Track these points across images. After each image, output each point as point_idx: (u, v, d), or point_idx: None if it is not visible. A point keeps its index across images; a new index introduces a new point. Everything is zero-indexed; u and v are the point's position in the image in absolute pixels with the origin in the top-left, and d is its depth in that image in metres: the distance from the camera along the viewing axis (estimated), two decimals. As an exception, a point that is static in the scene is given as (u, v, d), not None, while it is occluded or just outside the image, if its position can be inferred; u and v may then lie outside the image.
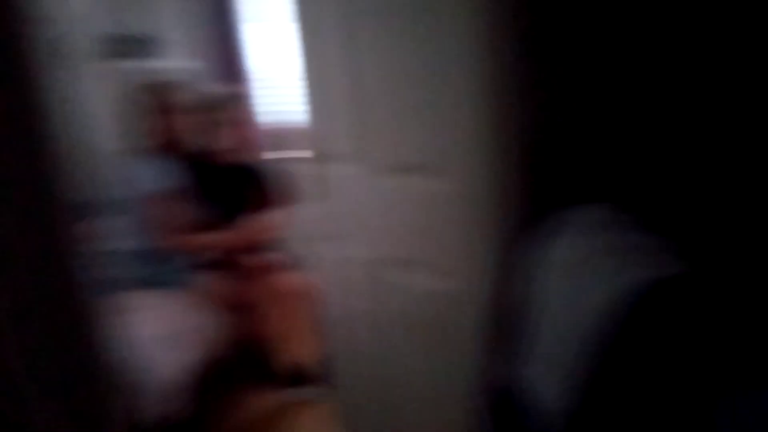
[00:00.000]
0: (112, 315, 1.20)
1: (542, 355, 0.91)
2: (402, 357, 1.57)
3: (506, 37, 1.11)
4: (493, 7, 1.10)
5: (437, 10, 1.22)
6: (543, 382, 0.89)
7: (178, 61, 3.47)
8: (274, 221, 2.44)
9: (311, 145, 1.73)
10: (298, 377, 2.37)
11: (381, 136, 1.46)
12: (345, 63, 1.53)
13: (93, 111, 3.40)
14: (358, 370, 1.80)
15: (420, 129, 1.33)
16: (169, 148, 2.31)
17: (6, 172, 0.99)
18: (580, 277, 0.85)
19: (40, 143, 1.04)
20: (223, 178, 2.41)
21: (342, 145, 1.62)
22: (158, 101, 2.27)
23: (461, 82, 1.20)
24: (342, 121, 1.59)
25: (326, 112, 1.67)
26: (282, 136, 2.85)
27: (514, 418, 0.99)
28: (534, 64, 1.13)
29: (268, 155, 3.49)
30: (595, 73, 1.10)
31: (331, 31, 1.60)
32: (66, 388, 1.12)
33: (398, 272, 1.51)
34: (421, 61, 1.28)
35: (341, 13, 1.52)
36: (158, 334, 1.88)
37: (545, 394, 0.88)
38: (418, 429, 1.59)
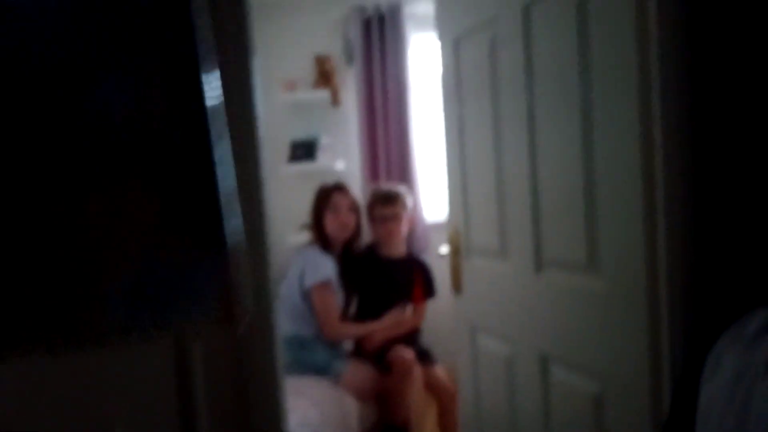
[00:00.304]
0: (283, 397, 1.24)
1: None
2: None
3: (665, 139, 1.04)
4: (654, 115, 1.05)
5: (578, 104, 1.21)
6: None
7: (341, 162, 3.77)
8: (423, 313, 2.54)
9: (456, 242, 1.75)
10: None
11: (523, 234, 1.43)
12: (489, 163, 1.56)
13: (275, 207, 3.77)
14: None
15: (568, 226, 1.27)
16: (338, 242, 2.46)
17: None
18: (755, 385, 0.71)
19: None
20: (386, 270, 2.53)
21: (487, 241, 1.62)
22: (333, 201, 2.45)
23: (613, 182, 1.15)
24: (486, 219, 1.60)
25: (471, 210, 1.70)
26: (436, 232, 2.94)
27: None
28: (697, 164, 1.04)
29: (426, 250, 3.61)
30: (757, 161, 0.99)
31: (475, 134, 1.65)
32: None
33: (542, 369, 1.41)
34: (567, 163, 1.27)
35: (485, 116, 1.56)
36: (308, 420, 1.89)
37: None
38: None
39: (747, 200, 1.03)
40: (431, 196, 3.73)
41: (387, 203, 2.53)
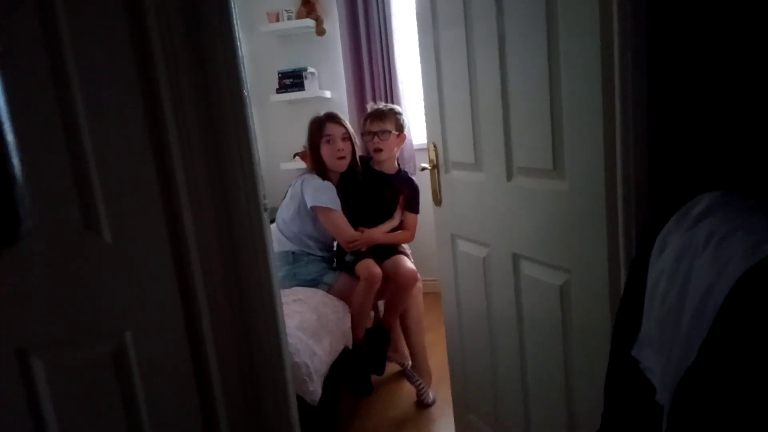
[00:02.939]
0: (278, 305, 1.28)
1: (653, 336, 0.81)
2: (514, 348, 1.50)
3: (623, 43, 1.03)
4: (611, 24, 1.03)
5: (544, 29, 1.19)
6: (654, 363, 0.80)
7: (328, 91, 3.72)
8: (411, 227, 2.59)
9: (435, 157, 1.76)
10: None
11: (496, 146, 1.45)
12: (463, 83, 1.55)
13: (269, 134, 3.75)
14: (474, 358, 1.76)
15: (536, 136, 1.28)
16: (336, 173, 2.48)
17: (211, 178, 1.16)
18: (694, 261, 0.74)
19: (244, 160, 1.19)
20: (377, 182, 2.54)
21: (463, 155, 1.64)
22: (327, 131, 2.41)
23: (575, 96, 1.15)
24: (462, 134, 1.60)
25: (448, 127, 1.71)
26: (422, 155, 2.94)
27: (634, 398, 0.91)
28: (650, 62, 1.04)
29: (413, 171, 3.63)
30: (709, 70, 1.00)
31: (450, 58, 1.63)
32: (241, 364, 1.24)
33: (514, 267, 1.45)
34: (534, 80, 1.26)
35: (459, 40, 1.54)
36: (303, 325, 1.95)
37: (656, 375, 0.79)
38: (541, 415, 1.49)
39: (697, 99, 1.03)
40: (418, 120, 3.71)
41: (376, 119, 2.50)
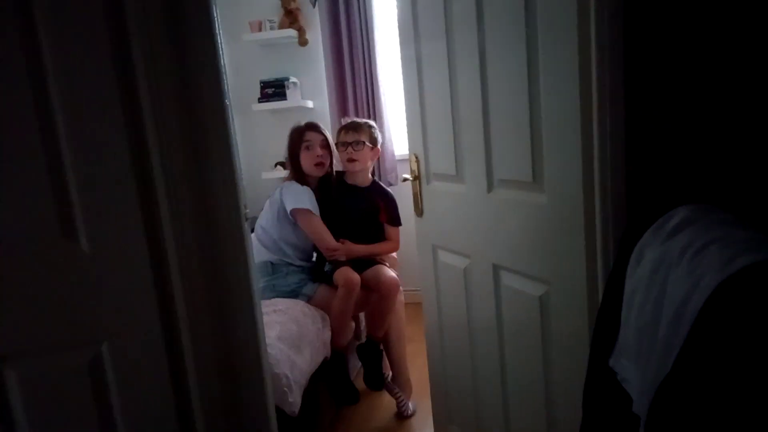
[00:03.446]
0: (258, 316, 1.27)
1: (630, 347, 0.82)
2: (494, 358, 1.51)
3: (600, 56, 1.05)
4: (589, 37, 1.05)
5: (523, 42, 1.21)
6: (630, 374, 0.81)
7: (310, 101, 3.73)
8: (394, 239, 2.58)
9: (417, 169, 1.77)
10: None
11: (477, 158, 1.46)
12: (445, 95, 1.57)
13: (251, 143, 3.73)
14: (455, 369, 1.76)
15: (516, 149, 1.29)
16: (314, 179, 2.49)
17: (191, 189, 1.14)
18: (670, 272, 0.76)
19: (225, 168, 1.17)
20: (351, 195, 2.54)
21: (444, 167, 1.65)
22: (306, 138, 2.45)
23: (554, 110, 1.17)
24: (444, 146, 1.62)
25: (430, 139, 1.72)
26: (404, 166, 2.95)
27: (611, 409, 0.91)
28: (628, 75, 1.06)
29: (395, 182, 3.64)
30: (688, 83, 1.03)
31: (431, 70, 1.65)
32: (220, 375, 1.22)
33: (495, 278, 1.46)
34: (514, 94, 1.28)
35: (440, 53, 1.56)
36: (284, 336, 1.93)
37: (633, 385, 0.79)
38: (521, 426, 1.49)
39: (675, 111, 1.05)
40: (400, 131, 3.72)
41: (350, 130, 2.50)
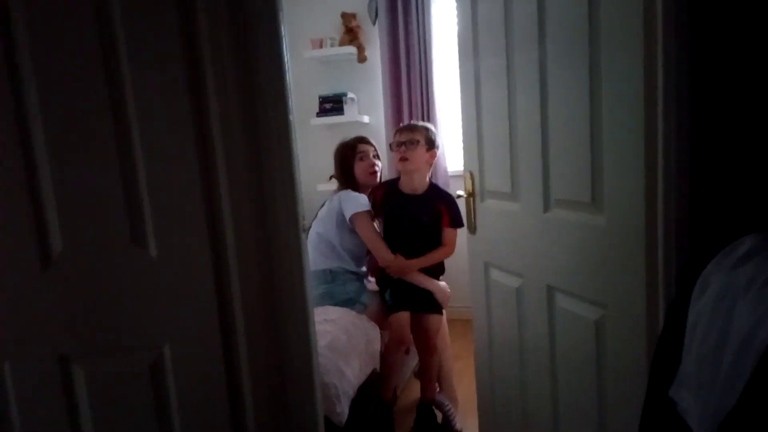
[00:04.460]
0: (311, 325, 1.29)
1: (690, 378, 0.79)
2: (546, 381, 1.47)
3: (667, 76, 1.02)
4: (656, 56, 1.03)
5: (586, 59, 1.19)
6: (691, 405, 0.78)
7: (366, 116, 3.77)
8: (452, 242, 2.47)
9: (471, 185, 1.76)
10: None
11: (533, 177, 1.44)
12: (503, 112, 1.56)
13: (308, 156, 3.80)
14: (504, 389, 1.73)
15: (575, 168, 1.27)
16: (367, 190, 2.52)
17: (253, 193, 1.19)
18: (737, 303, 0.73)
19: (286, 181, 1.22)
20: (413, 205, 2.45)
21: (499, 184, 1.64)
22: (359, 149, 2.52)
23: (617, 128, 1.14)
24: (500, 163, 1.61)
25: (485, 156, 1.72)
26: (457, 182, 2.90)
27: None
28: (695, 95, 1.03)
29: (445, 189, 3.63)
30: (756, 108, 0.98)
31: (490, 85, 1.65)
32: (272, 383, 1.25)
33: (549, 299, 1.43)
34: (574, 111, 1.26)
35: (500, 68, 1.56)
36: (333, 345, 1.95)
37: (693, 417, 0.76)
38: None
39: (741, 139, 1.01)
40: (454, 147, 3.72)
41: (405, 129, 2.43)
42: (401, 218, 2.45)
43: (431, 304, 2.41)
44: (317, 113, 3.77)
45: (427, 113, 3.68)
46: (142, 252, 1.13)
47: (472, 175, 1.78)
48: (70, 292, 1.12)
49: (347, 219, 2.38)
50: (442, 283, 2.46)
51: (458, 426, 2.39)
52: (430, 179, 2.50)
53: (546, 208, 1.40)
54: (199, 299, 1.16)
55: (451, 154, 3.76)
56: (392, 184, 2.51)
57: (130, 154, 1.11)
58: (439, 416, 2.42)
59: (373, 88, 3.84)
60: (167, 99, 1.11)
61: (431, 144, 2.43)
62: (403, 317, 2.33)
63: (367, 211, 2.38)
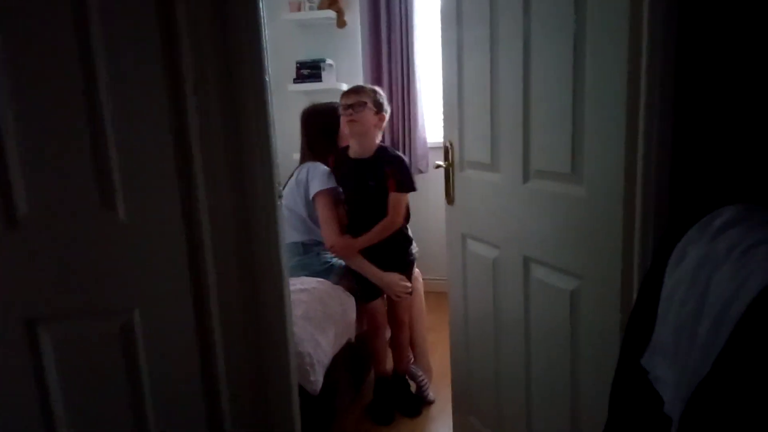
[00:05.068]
0: (286, 293, 1.29)
1: (666, 345, 0.80)
2: (520, 352, 1.50)
3: (651, 46, 1.02)
4: (641, 27, 1.02)
5: (571, 28, 1.18)
6: (665, 373, 0.79)
7: (346, 83, 3.71)
8: (400, 210, 2.32)
9: (450, 155, 1.75)
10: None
11: (514, 147, 1.44)
12: (484, 81, 1.55)
13: (284, 124, 3.72)
14: (478, 360, 1.76)
15: (556, 139, 1.27)
16: (329, 154, 2.44)
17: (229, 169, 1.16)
18: (715, 272, 0.74)
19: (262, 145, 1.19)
20: (360, 171, 2.34)
21: (479, 155, 1.64)
22: (322, 120, 2.42)
23: (599, 100, 1.14)
24: (480, 134, 1.60)
25: (466, 126, 1.70)
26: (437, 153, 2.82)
27: (640, 408, 0.90)
28: (679, 66, 1.03)
29: (426, 169, 3.60)
30: (740, 81, 0.99)
31: (472, 55, 1.63)
32: (247, 349, 1.25)
33: (525, 270, 1.45)
34: (557, 83, 1.25)
35: (482, 38, 1.54)
36: (308, 315, 1.95)
37: (667, 385, 0.78)
38: (544, 422, 1.49)
39: (725, 107, 1.02)
40: (434, 118, 3.70)
41: (351, 92, 2.32)
42: (348, 185, 2.37)
43: (368, 292, 2.36)
44: (294, 79, 3.70)
45: (408, 82, 3.64)
46: (111, 215, 1.10)
47: (451, 145, 1.77)
48: (36, 254, 1.09)
49: (310, 196, 2.32)
50: (395, 275, 2.33)
51: (431, 396, 2.43)
52: (380, 143, 2.39)
53: (526, 178, 1.41)
54: (170, 264, 1.14)
55: (431, 125, 3.74)
56: (344, 150, 2.42)
57: (98, 115, 1.07)
58: (413, 386, 2.46)
59: (353, 55, 3.78)
60: (139, 58, 1.07)
61: (379, 107, 2.32)
62: (378, 305, 2.34)
63: (330, 190, 2.30)
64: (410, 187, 2.29)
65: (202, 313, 1.19)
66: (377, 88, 2.41)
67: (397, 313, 2.37)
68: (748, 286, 0.63)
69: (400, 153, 2.47)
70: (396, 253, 2.38)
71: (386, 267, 2.32)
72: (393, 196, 2.28)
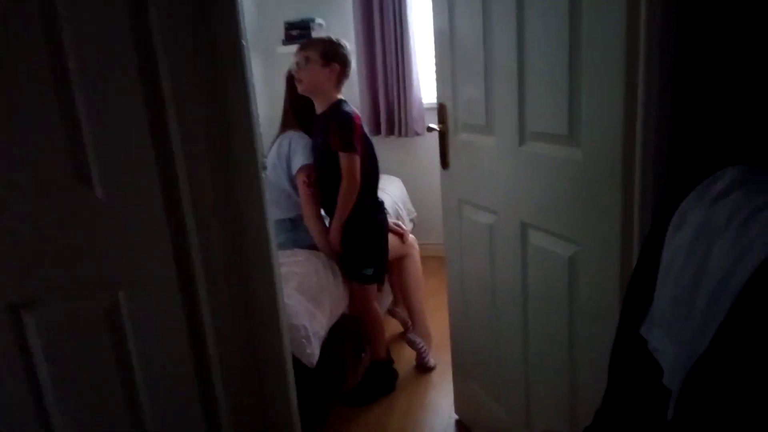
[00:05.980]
0: (275, 264, 1.27)
1: (664, 316, 0.79)
2: (518, 318, 1.50)
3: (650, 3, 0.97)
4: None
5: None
6: (663, 344, 0.78)
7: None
8: (354, 171, 2.16)
9: (444, 118, 1.71)
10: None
11: (509, 109, 1.40)
12: (478, 41, 1.49)
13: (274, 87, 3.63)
14: (477, 326, 1.76)
15: (552, 100, 1.23)
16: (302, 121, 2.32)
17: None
18: (715, 241, 0.71)
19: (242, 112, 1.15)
20: (314, 126, 2.25)
21: (473, 118, 1.59)
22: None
23: (597, 60, 1.10)
24: (474, 95, 1.55)
25: (460, 87, 1.65)
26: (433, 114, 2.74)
27: (639, 378, 0.90)
28: (679, 25, 0.98)
29: (422, 131, 3.53)
30: (741, 37, 0.95)
31: (465, 15, 1.57)
32: (238, 325, 1.24)
33: (522, 236, 1.43)
34: (553, 43, 1.20)
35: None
36: (303, 287, 1.94)
37: (666, 357, 0.77)
38: (542, 388, 1.49)
39: (726, 67, 0.98)
40: (429, 79, 3.62)
41: (300, 49, 2.19)
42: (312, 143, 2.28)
43: (349, 271, 2.28)
44: (283, 41, 3.60)
45: (400, 42, 3.55)
46: (87, 193, 1.07)
47: (445, 107, 1.72)
48: (12, 236, 1.06)
49: (293, 171, 2.22)
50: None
51: (432, 362, 2.44)
52: (341, 99, 2.22)
53: (522, 141, 1.37)
54: (152, 241, 1.12)
55: (427, 86, 3.66)
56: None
57: (68, 90, 1.02)
58: (413, 354, 2.47)
59: (343, 14, 3.67)
60: (110, 26, 1.02)
61: (327, 57, 2.14)
62: (371, 294, 2.31)
63: (312, 165, 2.20)
64: (350, 146, 2.11)
65: (189, 291, 1.17)
66: (329, 38, 2.24)
67: (353, 303, 2.31)
68: (748, 257, 0.61)
69: (356, 110, 2.24)
70: (360, 221, 2.23)
71: (358, 236, 2.24)
72: (342, 156, 2.12)
